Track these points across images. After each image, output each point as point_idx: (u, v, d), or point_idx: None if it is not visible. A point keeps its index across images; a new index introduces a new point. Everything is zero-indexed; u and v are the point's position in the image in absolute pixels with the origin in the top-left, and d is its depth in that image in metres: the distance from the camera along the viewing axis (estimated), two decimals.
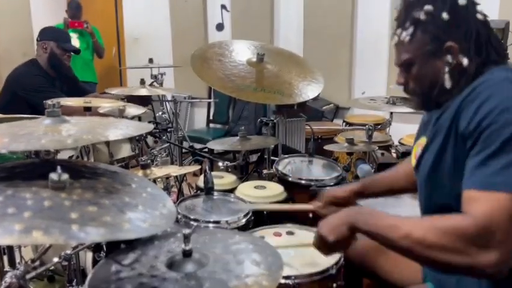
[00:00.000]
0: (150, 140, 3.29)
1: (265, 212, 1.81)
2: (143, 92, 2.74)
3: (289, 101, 2.29)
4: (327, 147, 2.48)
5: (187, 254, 1.01)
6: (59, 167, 0.88)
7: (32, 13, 4.89)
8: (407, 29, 1.16)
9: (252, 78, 2.24)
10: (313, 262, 1.39)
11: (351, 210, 1.19)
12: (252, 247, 1.10)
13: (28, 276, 0.98)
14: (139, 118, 2.85)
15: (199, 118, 5.10)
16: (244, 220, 1.69)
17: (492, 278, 1.01)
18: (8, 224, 0.77)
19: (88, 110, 2.17)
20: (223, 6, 4.78)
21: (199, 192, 1.99)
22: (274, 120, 2.54)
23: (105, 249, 1.45)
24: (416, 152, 1.27)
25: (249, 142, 2.36)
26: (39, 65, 2.92)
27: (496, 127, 0.98)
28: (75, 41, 4.36)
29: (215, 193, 1.87)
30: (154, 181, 1.84)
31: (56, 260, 1.32)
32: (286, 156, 2.38)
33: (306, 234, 1.58)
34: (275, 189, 2.01)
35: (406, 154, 2.38)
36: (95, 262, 1.53)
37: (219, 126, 4.85)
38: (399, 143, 2.94)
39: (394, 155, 2.72)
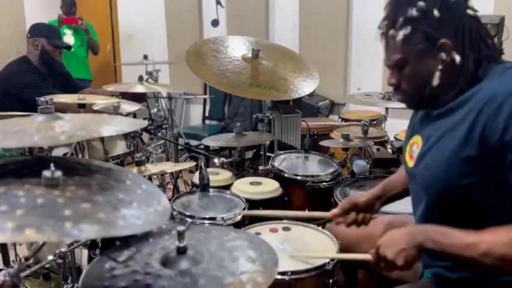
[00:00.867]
0: (145, 136, 3.28)
1: None
2: (140, 88, 2.72)
3: (284, 97, 2.27)
4: (322, 143, 2.48)
5: (181, 251, 1.00)
6: (52, 164, 0.88)
7: (26, 10, 4.85)
8: (399, 28, 1.13)
9: (247, 74, 2.23)
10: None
11: (414, 229, 1.13)
12: (247, 244, 1.09)
13: (23, 275, 0.96)
14: (134, 115, 2.84)
15: (195, 115, 5.09)
16: (239, 217, 1.69)
17: None
18: (0, 222, 0.76)
19: (82, 107, 2.15)
20: (218, 2, 4.76)
21: (194, 188, 1.99)
22: (270, 117, 2.54)
23: (100, 246, 1.44)
24: (411, 151, 1.25)
25: (245, 138, 2.36)
26: (30, 62, 2.87)
27: None
28: (69, 38, 4.33)
29: (211, 189, 1.86)
30: (150, 178, 1.84)
31: (51, 257, 1.31)
32: (282, 152, 2.38)
33: (302, 230, 1.58)
34: (271, 186, 2.01)
35: (402, 149, 2.38)
36: (90, 260, 1.52)
37: (214, 122, 4.85)
38: (395, 138, 2.94)
39: (390, 150, 2.73)
